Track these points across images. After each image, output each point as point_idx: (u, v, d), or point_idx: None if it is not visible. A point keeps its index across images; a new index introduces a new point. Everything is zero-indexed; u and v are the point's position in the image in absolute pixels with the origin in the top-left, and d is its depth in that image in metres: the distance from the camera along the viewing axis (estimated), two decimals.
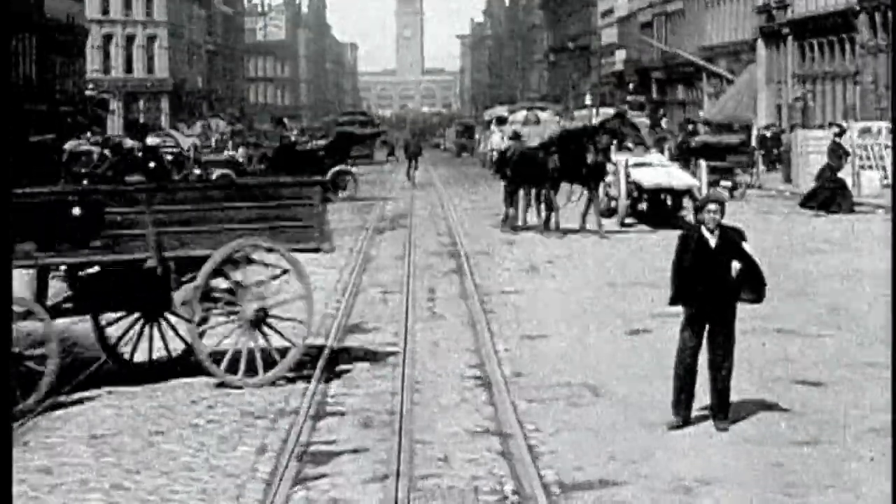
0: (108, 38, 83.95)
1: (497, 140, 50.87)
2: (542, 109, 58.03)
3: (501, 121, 56.06)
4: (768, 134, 46.39)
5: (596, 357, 13.04)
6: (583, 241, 24.43)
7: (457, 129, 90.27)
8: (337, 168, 36.51)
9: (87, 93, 63.97)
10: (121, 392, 11.60)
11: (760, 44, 61.56)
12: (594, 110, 74.27)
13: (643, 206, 28.16)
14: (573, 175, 25.69)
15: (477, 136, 71.68)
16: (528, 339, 14.09)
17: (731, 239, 10.05)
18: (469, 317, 15.59)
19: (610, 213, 28.02)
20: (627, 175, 27.57)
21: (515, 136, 29.45)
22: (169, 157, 32.16)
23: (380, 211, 33.00)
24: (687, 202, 27.22)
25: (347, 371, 12.51)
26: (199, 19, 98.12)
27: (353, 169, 38.78)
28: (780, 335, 13.96)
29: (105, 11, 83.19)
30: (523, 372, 12.33)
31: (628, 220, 27.36)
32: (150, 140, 31.80)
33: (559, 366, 12.61)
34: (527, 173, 26.09)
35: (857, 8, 47.76)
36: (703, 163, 32.57)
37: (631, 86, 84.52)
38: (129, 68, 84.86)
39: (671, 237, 11.07)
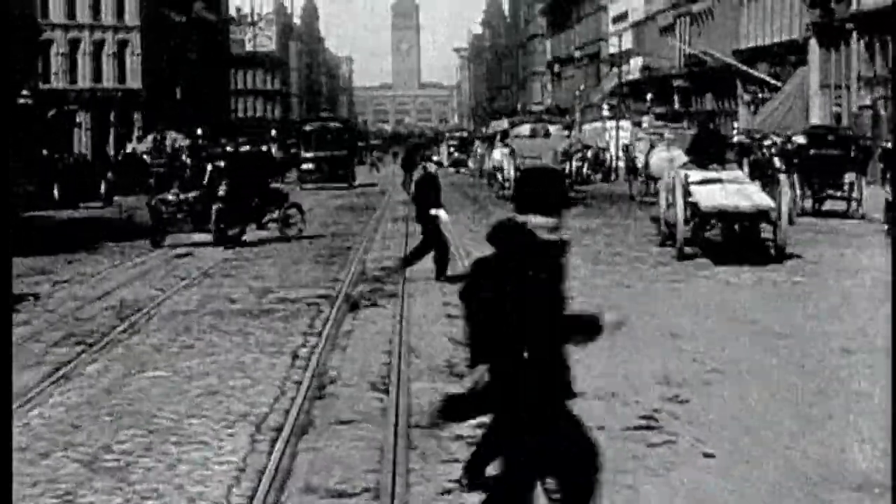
0: (74, 44, 75.79)
1: (499, 156, 44.09)
2: (550, 122, 50.66)
3: (504, 135, 49.64)
4: None
5: None
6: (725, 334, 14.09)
7: (450, 142, 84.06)
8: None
9: (21, 100, 54.31)
10: None
11: (813, 43, 53.29)
12: (608, 122, 66.90)
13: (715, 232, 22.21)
14: None
15: (479, 151, 64.73)
16: None
17: None
18: None
19: (663, 241, 23.23)
20: (687, 194, 21.79)
21: None
22: None
23: (357, 261, 22.42)
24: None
25: None
26: (177, 26, 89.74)
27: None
28: None
29: (71, 16, 75.10)
30: None
31: (688, 250, 21.53)
32: None
33: None
34: None
35: None
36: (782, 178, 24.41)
37: (649, 95, 77.74)
38: (97, 77, 77.02)
39: None
